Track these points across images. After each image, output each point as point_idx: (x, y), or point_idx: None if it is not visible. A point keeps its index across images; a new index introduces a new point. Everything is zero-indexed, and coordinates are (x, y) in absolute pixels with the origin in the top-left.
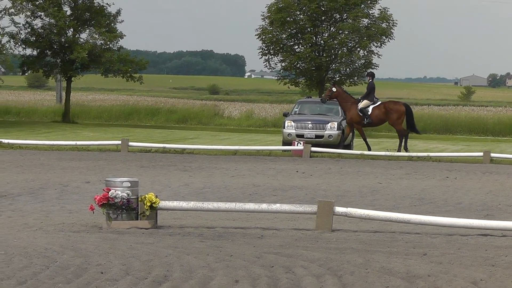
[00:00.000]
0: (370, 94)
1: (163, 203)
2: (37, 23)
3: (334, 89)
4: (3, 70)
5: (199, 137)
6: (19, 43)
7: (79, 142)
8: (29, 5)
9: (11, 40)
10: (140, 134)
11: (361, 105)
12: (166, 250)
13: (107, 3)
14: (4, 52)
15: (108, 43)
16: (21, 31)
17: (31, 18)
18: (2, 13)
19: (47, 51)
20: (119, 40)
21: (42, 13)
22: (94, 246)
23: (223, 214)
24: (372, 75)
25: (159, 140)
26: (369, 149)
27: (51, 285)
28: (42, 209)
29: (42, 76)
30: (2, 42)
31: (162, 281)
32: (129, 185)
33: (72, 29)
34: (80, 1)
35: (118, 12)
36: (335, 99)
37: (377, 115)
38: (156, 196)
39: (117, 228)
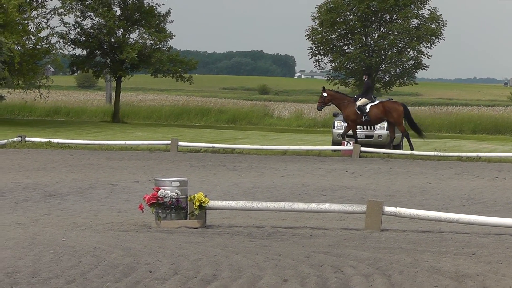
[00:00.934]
0: (367, 93)
1: (212, 203)
2: (87, 23)
3: (325, 94)
4: (52, 70)
5: (249, 137)
6: (69, 43)
7: (128, 142)
8: (79, 5)
9: (61, 40)
10: (190, 134)
11: (359, 103)
12: (215, 250)
13: (156, 4)
14: (54, 52)
15: (158, 43)
16: (70, 31)
17: (80, 18)
18: (52, 13)
19: (97, 51)
20: (168, 40)
21: (92, 13)
22: (143, 245)
23: (272, 214)
24: (368, 74)
25: (209, 140)
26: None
27: (99, 284)
28: (91, 208)
29: (91, 76)
30: (52, 42)
31: (211, 280)
32: (178, 184)
33: (121, 29)
34: (130, 2)
35: (168, 13)
36: (330, 103)
37: (375, 113)
38: (205, 196)
39: (166, 228)
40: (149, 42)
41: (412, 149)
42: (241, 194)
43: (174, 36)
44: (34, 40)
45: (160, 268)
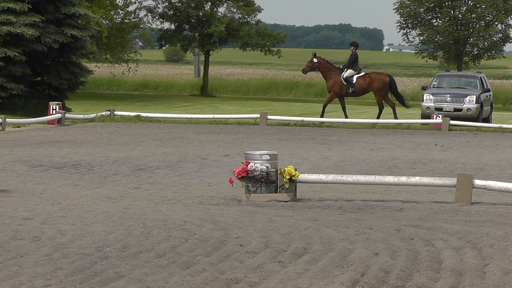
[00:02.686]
0: (354, 64)
1: (302, 176)
2: None
3: (315, 60)
4: (141, 44)
5: (338, 111)
6: (157, 17)
7: (217, 116)
8: None
9: (149, 14)
10: (279, 108)
11: (345, 74)
12: (305, 223)
13: None
14: (142, 26)
15: (246, 17)
16: (158, 5)
17: None
18: None
19: (185, 25)
20: (257, 14)
21: None
22: (233, 219)
23: (362, 187)
24: (355, 45)
25: (298, 113)
26: (346, 117)
27: (190, 257)
28: (181, 182)
29: (180, 50)
30: (140, 16)
31: (301, 253)
32: (268, 158)
33: (210, 3)
34: None
35: None
36: (317, 69)
37: (361, 84)
38: (295, 169)
39: (256, 201)
40: (237, 15)
41: (395, 117)
42: (331, 168)
43: (262, 9)
44: (122, 14)
45: (250, 242)
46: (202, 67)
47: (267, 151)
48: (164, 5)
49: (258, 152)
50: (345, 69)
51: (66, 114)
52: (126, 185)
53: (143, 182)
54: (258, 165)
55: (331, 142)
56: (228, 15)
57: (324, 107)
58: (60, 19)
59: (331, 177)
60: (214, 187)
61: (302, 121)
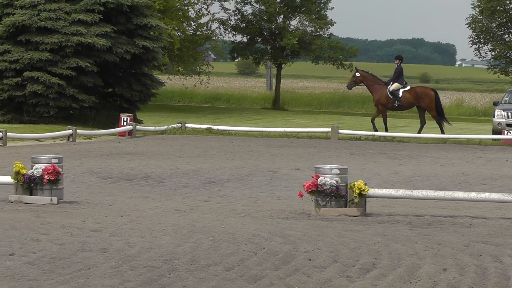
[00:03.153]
0: (399, 77)
1: (372, 191)
2: (247, 9)
3: (357, 74)
4: (213, 56)
5: (409, 125)
6: (229, 30)
7: (288, 129)
8: None
9: (221, 27)
10: (350, 122)
11: (392, 87)
12: (374, 238)
13: None
14: (214, 38)
15: (318, 30)
16: (231, 18)
17: (241, 4)
18: None
19: (257, 38)
20: (329, 27)
21: (253, 0)
22: (302, 233)
23: (432, 203)
24: (401, 58)
25: (369, 128)
26: (387, 131)
27: (258, 271)
28: (250, 195)
29: (252, 63)
30: (212, 28)
31: (370, 268)
32: (338, 172)
33: (282, 16)
34: None
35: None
36: (361, 83)
37: (407, 98)
38: (365, 184)
39: (326, 215)
40: (310, 29)
41: (443, 133)
42: (401, 182)
43: (335, 23)
44: (194, 26)
45: (319, 256)
46: (274, 80)
47: (337, 165)
48: (237, 17)
49: (328, 166)
50: (391, 83)
51: (137, 126)
52: (196, 198)
53: (213, 195)
54: (328, 179)
55: (402, 157)
56: (301, 28)
57: (372, 122)
58: (131, 30)
59: (400, 192)
60: (283, 201)
61: (373, 135)
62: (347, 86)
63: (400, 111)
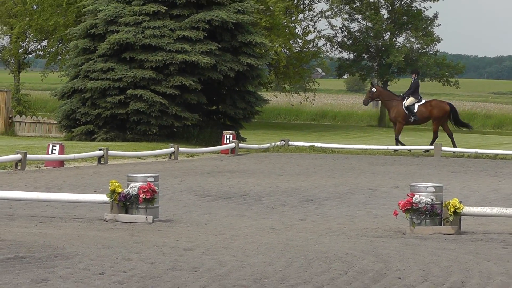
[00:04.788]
0: (415, 92)
1: (467, 209)
2: (354, 26)
3: (374, 90)
4: (322, 73)
5: None
6: (336, 46)
7: (391, 147)
8: (346, 8)
9: (328, 43)
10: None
11: (407, 102)
12: (466, 256)
13: (424, 7)
14: (321, 55)
15: (425, 47)
16: (337, 34)
17: (348, 21)
18: (319, 16)
19: (364, 54)
20: (435, 44)
21: (359, 16)
22: (395, 252)
23: None
24: (417, 72)
25: (474, 145)
26: (398, 144)
27: None
28: (347, 213)
29: (358, 80)
30: (319, 45)
31: (459, 287)
32: (433, 190)
33: (389, 33)
34: (398, 5)
35: (435, 16)
36: (377, 99)
37: (423, 112)
38: (460, 202)
39: (420, 234)
40: (416, 45)
41: (454, 146)
42: (499, 200)
43: (441, 39)
44: (300, 43)
45: (409, 275)
46: None
47: (433, 183)
48: (343, 34)
49: (423, 184)
50: (406, 97)
51: (240, 144)
52: (292, 216)
53: (310, 213)
54: (423, 197)
55: (503, 174)
56: (407, 45)
57: (397, 139)
58: (236, 47)
59: (495, 210)
60: (380, 219)
61: (476, 153)
62: (363, 102)
63: (416, 125)
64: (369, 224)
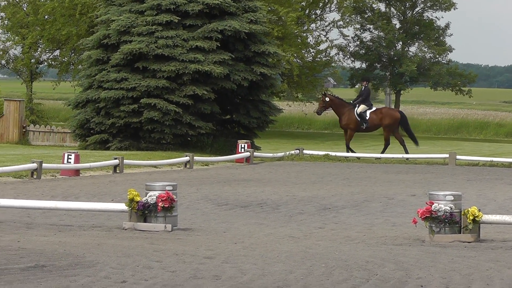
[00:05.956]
0: (366, 99)
1: (486, 217)
2: (366, 36)
3: (327, 99)
4: (333, 83)
5: None
6: (348, 56)
7: (406, 155)
8: (358, 18)
9: (340, 53)
10: (468, 148)
11: (359, 109)
12: (487, 264)
13: (435, 17)
14: (333, 64)
15: (437, 56)
16: (350, 44)
17: (360, 31)
18: (331, 25)
19: (376, 64)
20: (448, 54)
21: (371, 26)
22: (415, 260)
23: None
24: (367, 79)
25: (487, 153)
26: (352, 151)
27: None
28: (365, 221)
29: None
30: (331, 55)
31: None
32: (452, 198)
33: (401, 43)
34: (409, 15)
35: (447, 26)
36: (329, 108)
37: (374, 120)
38: (479, 210)
39: (439, 242)
40: (428, 55)
41: (407, 153)
42: None
43: (453, 49)
44: (313, 53)
45: (431, 283)
46: (393, 106)
47: (452, 191)
48: (356, 44)
49: (442, 193)
50: (358, 105)
51: (254, 153)
52: (311, 225)
53: (328, 221)
54: (442, 205)
55: None
56: (419, 54)
57: (348, 146)
58: (249, 57)
59: None
60: (398, 227)
61: (491, 161)
62: (316, 112)
63: (367, 132)
64: (387, 232)
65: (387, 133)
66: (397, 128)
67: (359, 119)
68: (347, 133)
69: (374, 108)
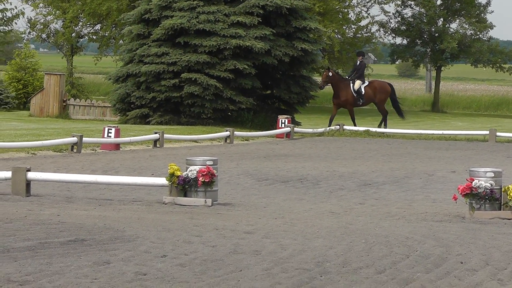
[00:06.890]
0: (362, 75)
1: None
2: (407, 12)
3: (330, 74)
4: (374, 59)
5: None
6: (389, 32)
7: (446, 132)
8: None
9: (381, 29)
10: (509, 125)
11: (356, 86)
12: None
13: None
14: (374, 41)
15: (478, 33)
16: (391, 20)
17: (401, 7)
18: (372, 1)
19: (417, 40)
20: (489, 31)
21: (412, 2)
22: (455, 236)
23: None
24: (362, 54)
25: None
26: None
27: (409, 274)
28: (405, 198)
29: (411, 66)
30: (372, 31)
31: None
32: (493, 175)
33: (442, 19)
34: None
35: (488, 3)
36: (330, 83)
37: (369, 94)
38: None
39: (480, 218)
40: (469, 32)
41: (385, 127)
42: None
43: (494, 26)
44: (354, 29)
45: (471, 259)
46: (433, 82)
47: (492, 168)
48: (397, 20)
49: (482, 169)
50: (354, 80)
51: (295, 128)
52: (351, 200)
53: (368, 197)
54: (483, 182)
55: None
56: (460, 31)
57: (331, 120)
58: (290, 33)
59: None
60: (438, 204)
61: None
62: (319, 87)
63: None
64: (428, 208)
65: (382, 106)
66: (386, 101)
67: (355, 96)
68: (349, 109)
69: (367, 83)
